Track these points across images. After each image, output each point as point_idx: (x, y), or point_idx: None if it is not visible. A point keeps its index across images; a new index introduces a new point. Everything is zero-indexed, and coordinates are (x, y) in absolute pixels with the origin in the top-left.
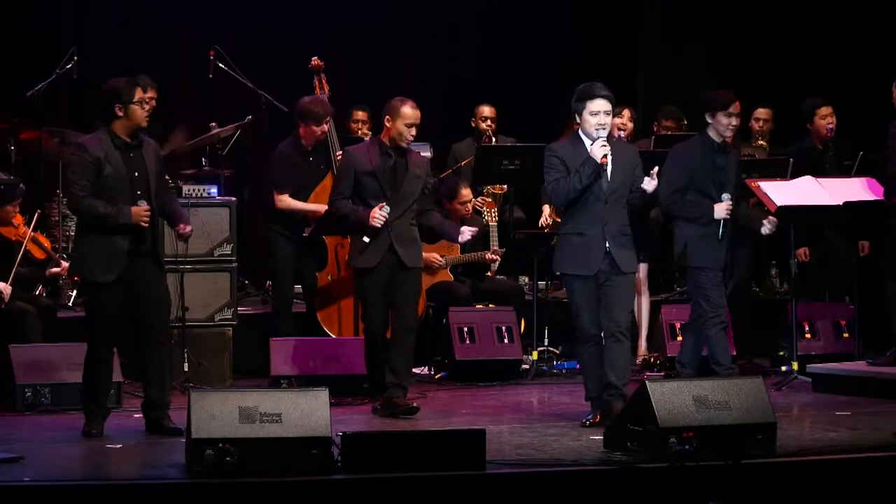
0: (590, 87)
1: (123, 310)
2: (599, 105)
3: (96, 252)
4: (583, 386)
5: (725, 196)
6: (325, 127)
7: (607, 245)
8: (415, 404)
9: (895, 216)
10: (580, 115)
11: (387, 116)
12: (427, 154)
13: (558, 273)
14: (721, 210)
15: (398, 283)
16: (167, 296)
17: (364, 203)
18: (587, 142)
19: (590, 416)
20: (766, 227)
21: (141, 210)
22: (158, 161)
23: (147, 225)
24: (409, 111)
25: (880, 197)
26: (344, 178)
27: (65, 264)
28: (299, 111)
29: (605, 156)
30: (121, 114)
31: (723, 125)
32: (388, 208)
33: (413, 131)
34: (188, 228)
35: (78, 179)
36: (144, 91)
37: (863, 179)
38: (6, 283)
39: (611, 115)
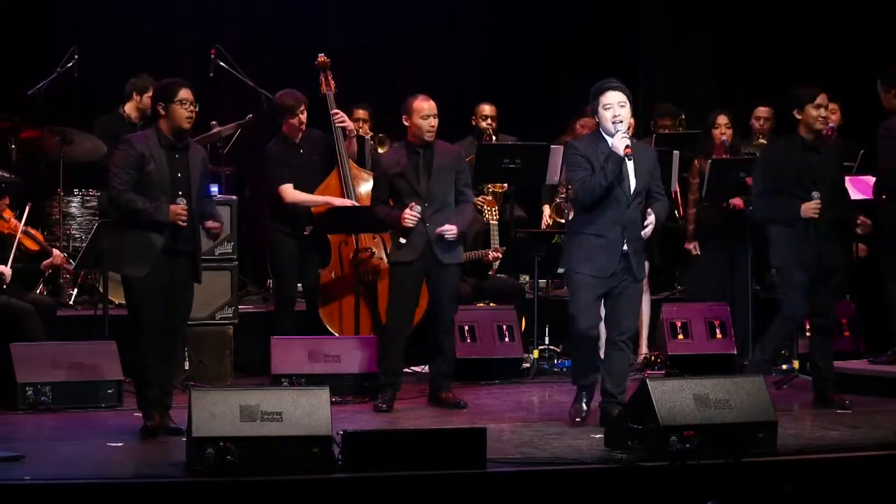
0: (602, 82)
1: (162, 304)
2: (611, 97)
3: (129, 247)
4: (582, 373)
5: (815, 195)
6: (301, 117)
7: (625, 248)
8: (463, 402)
9: (885, 215)
10: (596, 112)
11: (404, 117)
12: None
13: (564, 270)
14: (808, 209)
15: (435, 280)
16: (191, 301)
17: (402, 204)
18: (608, 138)
19: (575, 413)
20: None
21: (178, 208)
22: (204, 167)
23: (184, 223)
24: (421, 104)
25: (869, 196)
26: (380, 184)
27: (57, 252)
28: (275, 108)
29: (627, 146)
30: (163, 112)
31: (812, 118)
32: (419, 207)
33: (431, 122)
34: (217, 224)
35: (120, 173)
36: (144, 92)
37: (849, 178)
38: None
39: (626, 107)
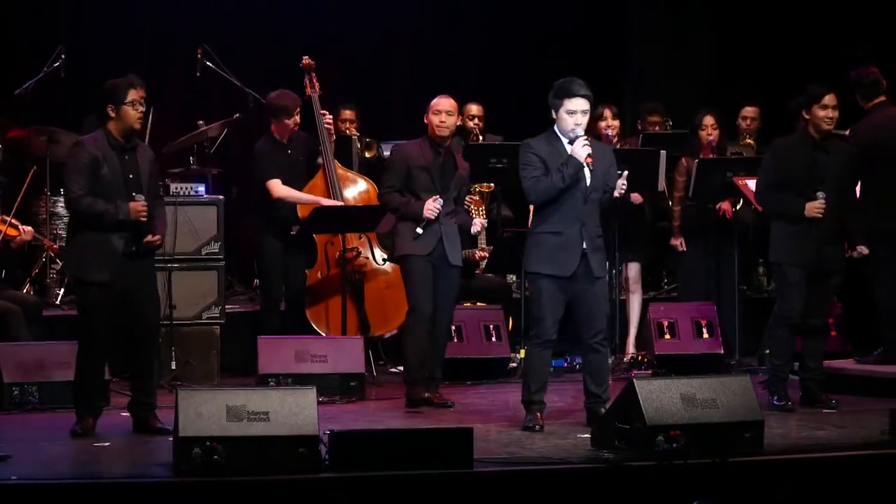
0: (569, 84)
1: (116, 309)
2: (577, 104)
3: (91, 251)
4: (538, 386)
5: (820, 194)
6: (296, 118)
7: (584, 245)
8: (450, 402)
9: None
10: (556, 111)
11: (425, 116)
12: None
13: (528, 272)
14: (812, 208)
15: (442, 280)
16: (158, 296)
17: (415, 196)
18: (563, 140)
19: (533, 422)
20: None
21: (138, 205)
22: (153, 166)
23: (145, 219)
24: (437, 100)
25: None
26: (396, 172)
27: (25, 228)
28: (268, 108)
29: (589, 155)
30: (113, 114)
31: (819, 118)
32: (442, 201)
33: (443, 118)
34: (156, 238)
35: (77, 178)
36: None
37: None
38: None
39: (588, 115)
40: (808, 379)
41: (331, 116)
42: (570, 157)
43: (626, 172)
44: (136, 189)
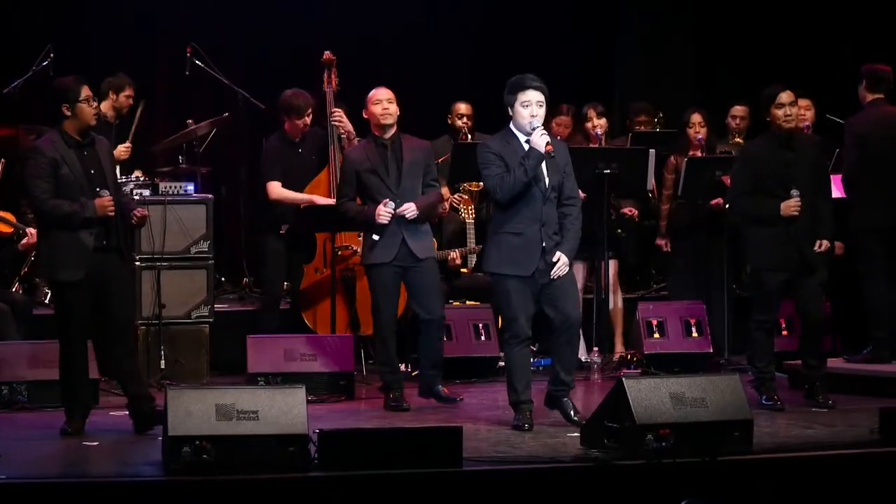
0: (521, 79)
1: (92, 306)
2: (531, 96)
3: (63, 251)
4: (524, 385)
5: (794, 192)
6: (308, 119)
7: (544, 244)
8: (460, 398)
9: (851, 216)
10: (512, 107)
11: (364, 112)
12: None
13: (489, 273)
14: (788, 207)
15: (415, 276)
16: (132, 291)
17: (372, 201)
18: (520, 136)
19: (522, 421)
20: None
21: (104, 201)
22: (111, 158)
23: (112, 214)
24: (374, 91)
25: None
26: (346, 181)
27: (32, 231)
28: (282, 105)
29: (548, 143)
30: (68, 113)
31: (777, 117)
32: (393, 203)
33: (385, 106)
34: (143, 211)
35: (39, 183)
36: (119, 91)
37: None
38: None
39: (543, 107)
40: (811, 376)
41: (341, 114)
42: (531, 148)
43: (562, 258)
44: (100, 184)
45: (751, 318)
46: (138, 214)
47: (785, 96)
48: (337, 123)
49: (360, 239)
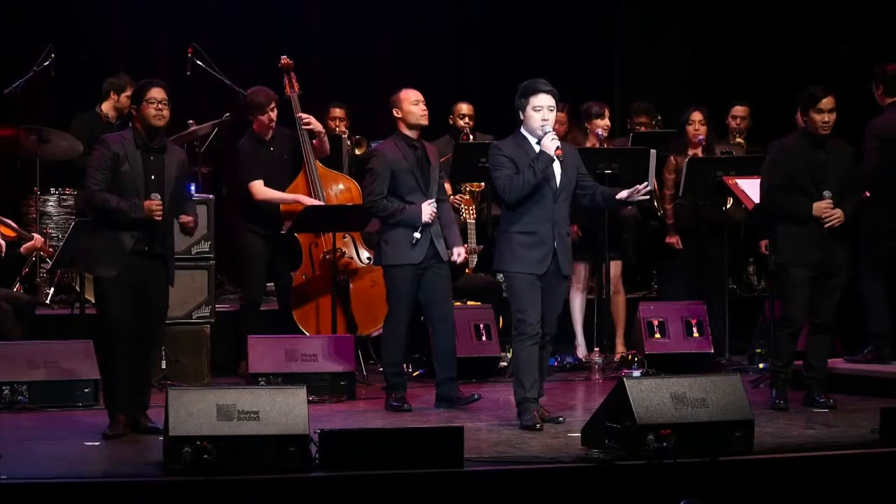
0: (533, 83)
1: (131, 306)
2: (543, 100)
3: (101, 247)
4: (532, 383)
5: (827, 194)
6: (273, 114)
7: (556, 244)
8: (476, 395)
9: (866, 213)
10: (523, 111)
11: (394, 110)
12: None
13: (500, 272)
14: (820, 208)
15: (433, 278)
16: (167, 303)
17: (400, 199)
18: (531, 139)
19: (533, 421)
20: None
21: (153, 203)
22: (181, 169)
23: (160, 219)
24: (408, 91)
25: None
26: (382, 178)
27: (37, 236)
28: (245, 106)
29: (558, 147)
30: (135, 113)
31: (815, 122)
32: (435, 203)
33: (422, 107)
34: (189, 218)
35: (95, 173)
36: (121, 91)
37: None
38: None
39: (554, 111)
40: (811, 378)
41: (310, 117)
42: (541, 151)
43: (648, 186)
44: (157, 189)
45: (779, 317)
46: (182, 220)
47: (826, 102)
48: (306, 127)
49: (346, 240)
